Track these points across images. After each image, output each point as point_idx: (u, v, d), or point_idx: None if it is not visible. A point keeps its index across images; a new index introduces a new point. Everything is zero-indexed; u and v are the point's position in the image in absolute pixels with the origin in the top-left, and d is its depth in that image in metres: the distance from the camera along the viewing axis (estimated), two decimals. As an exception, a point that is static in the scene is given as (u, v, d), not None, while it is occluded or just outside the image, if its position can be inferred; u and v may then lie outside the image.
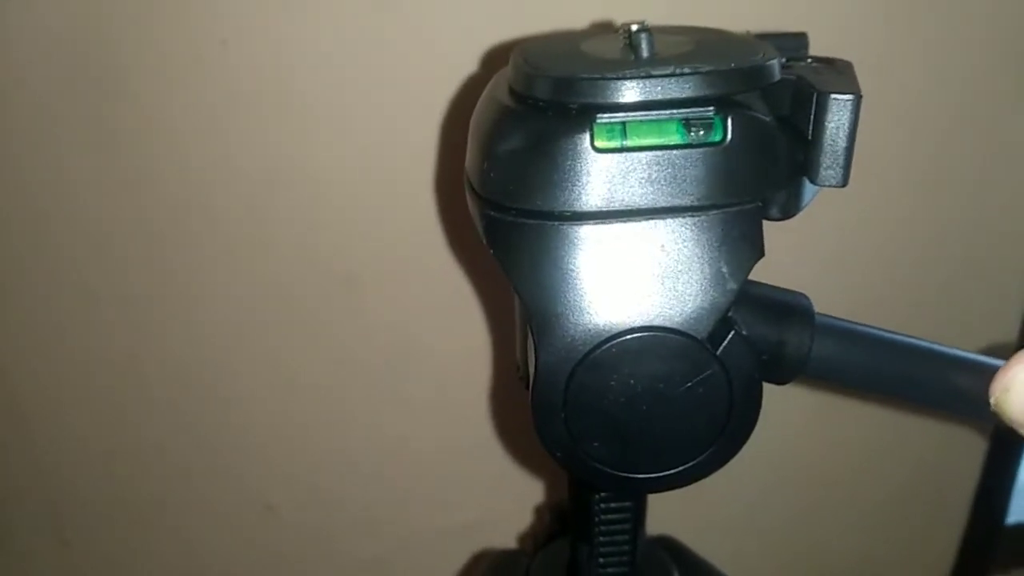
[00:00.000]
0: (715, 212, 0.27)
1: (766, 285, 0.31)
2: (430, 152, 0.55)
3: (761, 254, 0.28)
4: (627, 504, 0.38)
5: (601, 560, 0.39)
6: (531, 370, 0.29)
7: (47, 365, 0.63)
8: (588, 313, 0.27)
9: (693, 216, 0.27)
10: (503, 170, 0.28)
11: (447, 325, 0.60)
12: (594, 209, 0.27)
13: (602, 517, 0.38)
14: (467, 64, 0.52)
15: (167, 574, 0.73)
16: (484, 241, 0.29)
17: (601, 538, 0.39)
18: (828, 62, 0.31)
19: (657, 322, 0.27)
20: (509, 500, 0.66)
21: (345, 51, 0.52)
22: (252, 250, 0.58)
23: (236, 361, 0.63)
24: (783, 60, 0.29)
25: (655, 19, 0.30)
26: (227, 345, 0.62)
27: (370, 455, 0.67)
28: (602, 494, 0.38)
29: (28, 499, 0.69)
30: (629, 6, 0.47)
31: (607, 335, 0.27)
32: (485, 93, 0.31)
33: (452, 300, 0.59)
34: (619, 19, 0.45)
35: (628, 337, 0.27)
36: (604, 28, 0.48)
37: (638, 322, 0.27)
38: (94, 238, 0.58)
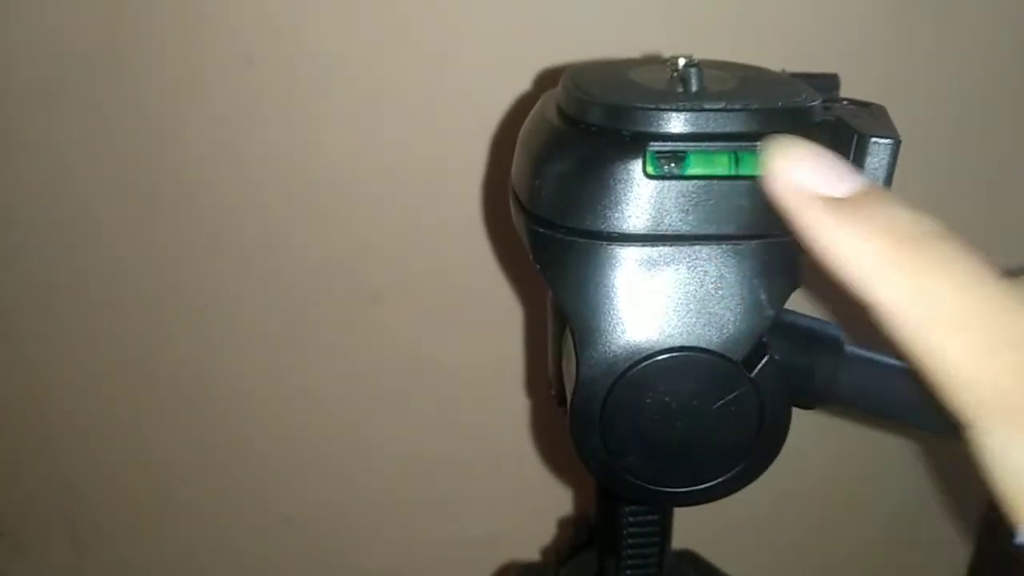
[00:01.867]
0: (757, 242, 0.28)
1: (799, 314, 0.32)
2: (459, 166, 0.56)
3: (798, 284, 0.29)
4: (655, 518, 0.39)
5: (628, 573, 0.40)
6: (569, 386, 0.30)
7: (65, 372, 0.65)
8: (630, 331, 0.29)
9: (736, 244, 0.28)
10: (554, 189, 0.29)
11: (466, 339, 0.62)
12: (641, 232, 0.28)
13: (630, 530, 0.39)
14: (495, 82, 0.53)
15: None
16: (531, 256, 0.31)
17: (629, 551, 0.40)
18: (864, 105, 0.32)
19: (696, 343, 0.28)
20: (530, 512, 0.67)
21: (374, 62, 0.53)
22: (273, 261, 0.59)
23: (255, 371, 0.64)
24: (822, 101, 0.30)
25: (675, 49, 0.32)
26: (245, 356, 0.63)
27: (388, 466, 0.68)
28: (631, 507, 0.39)
29: (44, 505, 0.70)
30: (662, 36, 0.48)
31: (647, 353, 0.28)
32: (534, 113, 0.33)
33: (473, 314, 0.60)
34: (653, 49, 0.47)
35: (667, 356, 0.28)
36: (648, 59, 0.49)
37: (678, 342, 0.28)
38: (115, 247, 0.60)
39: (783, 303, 0.29)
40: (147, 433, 0.67)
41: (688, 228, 0.28)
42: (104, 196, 0.58)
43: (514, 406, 0.64)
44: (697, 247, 0.28)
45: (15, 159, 0.57)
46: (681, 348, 0.29)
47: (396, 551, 0.71)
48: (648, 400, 0.29)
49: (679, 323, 0.28)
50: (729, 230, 0.28)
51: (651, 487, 0.30)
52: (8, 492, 0.70)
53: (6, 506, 0.71)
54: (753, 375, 0.29)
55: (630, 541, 0.40)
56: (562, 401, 0.34)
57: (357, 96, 0.54)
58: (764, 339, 0.29)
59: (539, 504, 0.66)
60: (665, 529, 0.40)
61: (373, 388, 0.64)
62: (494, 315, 0.61)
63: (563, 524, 0.65)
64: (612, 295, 0.29)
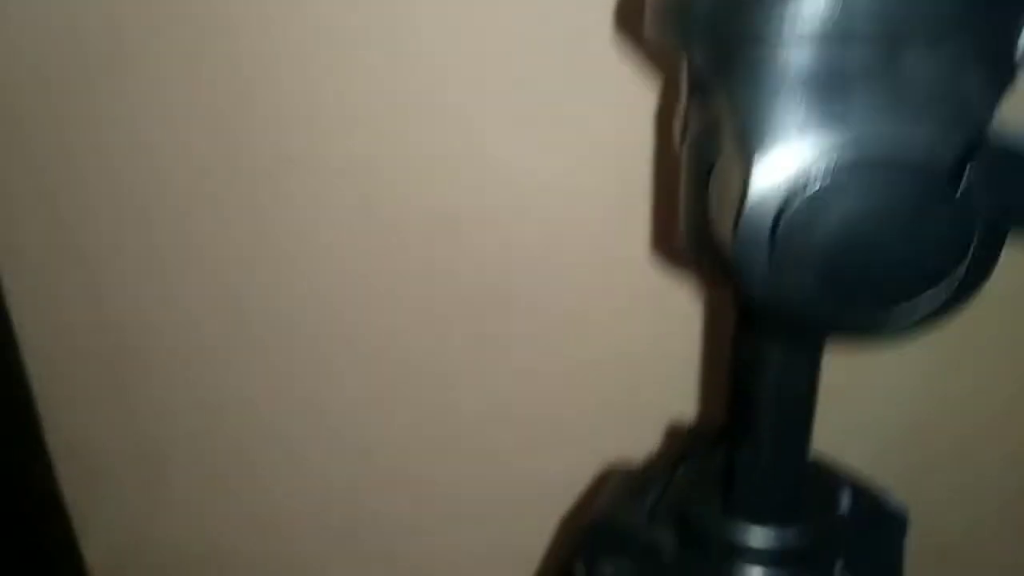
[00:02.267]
0: (963, 33, 0.24)
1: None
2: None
3: (1013, 78, 0.24)
4: (803, 384, 0.34)
5: (769, 459, 0.36)
6: (734, 206, 0.26)
7: (144, 314, 0.64)
8: (809, 139, 0.25)
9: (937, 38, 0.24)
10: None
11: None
12: (825, 32, 0.25)
13: (776, 403, 0.35)
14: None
15: (253, 518, 0.72)
16: (704, 69, 0.27)
17: (769, 430, 0.35)
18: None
19: (891, 152, 0.24)
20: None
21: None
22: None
23: (341, 304, 0.62)
24: None
25: None
26: (329, 288, 0.61)
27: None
28: (776, 376, 0.34)
29: (124, 444, 0.69)
30: None
31: (826, 164, 0.25)
32: None
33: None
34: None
35: (853, 165, 0.25)
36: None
37: (868, 151, 0.25)
38: (200, 172, 0.58)
39: (998, 102, 0.24)
40: (227, 374, 0.66)
41: (876, 28, 0.25)
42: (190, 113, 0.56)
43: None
44: (889, 45, 0.24)
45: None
46: (873, 157, 0.25)
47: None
48: (829, 215, 0.25)
49: (870, 128, 0.25)
50: (927, 23, 0.24)
51: (827, 317, 0.26)
52: (83, 415, 0.68)
53: (81, 428, 0.68)
54: (959, 190, 0.24)
55: (772, 419, 0.35)
56: (697, 250, 0.30)
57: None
58: (973, 148, 0.24)
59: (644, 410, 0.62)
60: (812, 396, 0.35)
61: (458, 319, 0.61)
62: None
63: (672, 433, 0.60)
64: (793, 100, 0.25)
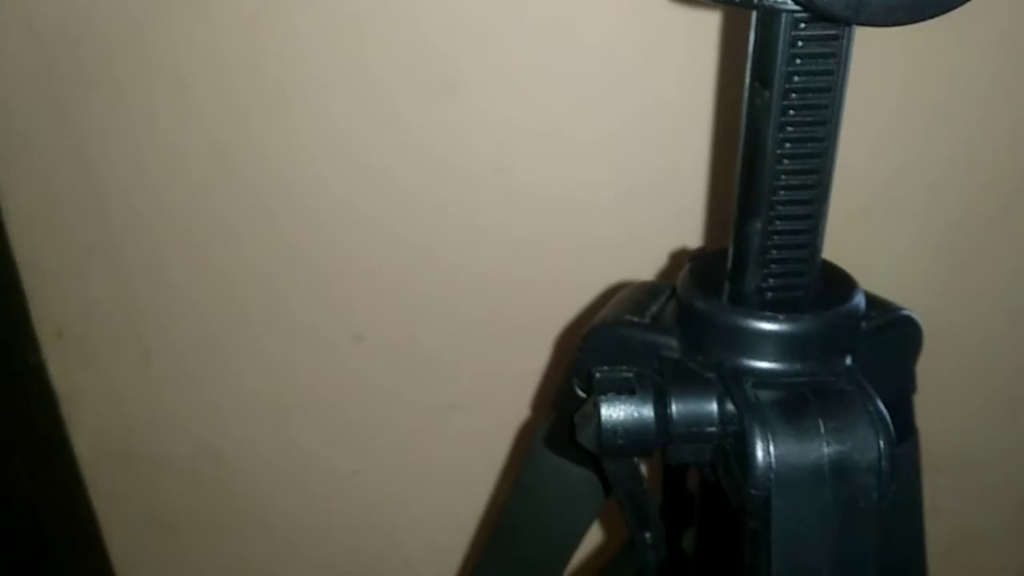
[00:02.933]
0: None
1: None
2: None
3: None
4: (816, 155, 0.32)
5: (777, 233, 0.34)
6: None
7: (136, 187, 0.62)
8: None
9: None
10: None
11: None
12: None
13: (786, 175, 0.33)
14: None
15: (247, 393, 0.71)
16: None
17: (778, 205, 0.33)
18: None
19: None
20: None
21: None
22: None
23: (332, 177, 0.60)
24: None
25: None
26: (323, 158, 0.60)
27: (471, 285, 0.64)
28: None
29: (115, 320, 0.68)
30: None
31: None
32: None
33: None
34: None
35: None
36: None
37: None
38: None
39: None
40: (219, 248, 0.64)
41: None
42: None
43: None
44: None
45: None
46: None
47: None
48: None
49: None
50: None
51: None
52: (72, 294, 0.66)
53: (70, 307, 0.67)
54: None
55: (782, 192, 0.33)
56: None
57: None
58: None
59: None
60: (827, 179, 0.33)
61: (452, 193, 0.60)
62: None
63: (678, 257, 0.59)
64: None
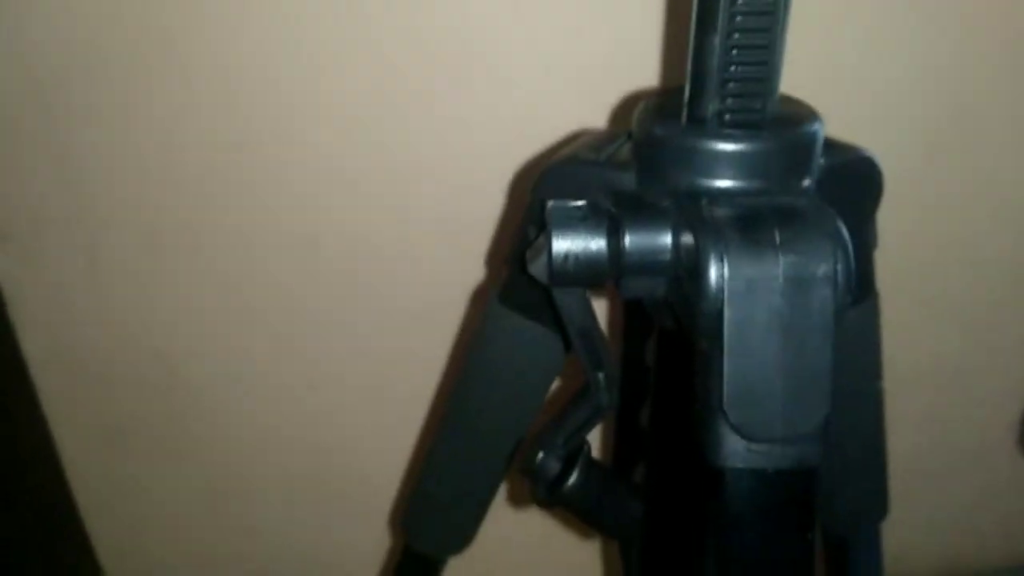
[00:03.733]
0: None
1: None
2: None
3: None
4: None
5: (736, 39, 0.33)
6: None
7: (81, 82, 0.60)
8: None
9: None
10: None
11: None
12: None
13: None
14: None
15: (193, 298, 0.70)
16: None
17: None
18: None
19: None
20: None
21: None
22: None
23: (284, 65, 0.59)
24: None
25: None
26: (275, 48, 0.58)
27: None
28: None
29: (62, 222, 0.66)
30: None
31: None
32: None
33: None
34: None
35: None
36: None
37: None
38: None
39: None
40: (170, 150, 0.62)
41: None
42: None
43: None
44: None
45: None
46: None
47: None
48: None
49: None
50: None
51: None
52: (18, 195, 0.64)
53: (15, 209, 0.64)
54: None
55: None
56: None
57: None
58: None
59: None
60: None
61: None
62: None
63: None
64: None
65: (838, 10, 0.55)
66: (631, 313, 0.49)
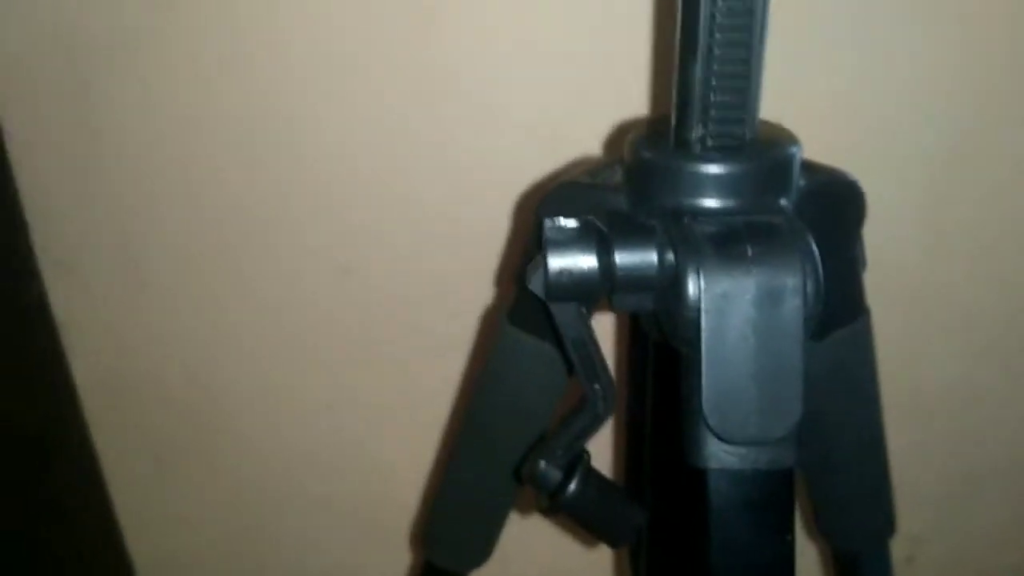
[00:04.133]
0: None
1: None
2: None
3: None
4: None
5: (715, 68, 0.36)
6: None
7: (133, 118, 0.64)
8: None
9: None
10: None
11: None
12: None
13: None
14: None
15: (232, 324, 0.73)
16: None
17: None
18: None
19: None
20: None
21: None
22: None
23: (321, 110, 0.62)
24: None
25: None
26: (313, 90, 0.62)
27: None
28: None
29: (114, 250, 0.70)
30: None
31: None
32: None
33: None
34: None
35: None
36: None
37: None
38: None
39: None
40: (213, 171, 0.66)
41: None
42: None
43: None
44: None
45: None
46: None
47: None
48: None
49: None
50: None
51: None
52: (72, 221, 0.68)
53: (70, 235, 0.69)
54: None
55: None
56: None
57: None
58: None
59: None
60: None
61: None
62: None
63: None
64: None
65: (840, 36, 0.58)
66: (634, 325, 0.51)
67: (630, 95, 0.59)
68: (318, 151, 0.64)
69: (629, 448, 0.54)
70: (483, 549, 0.57)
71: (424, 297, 0.70)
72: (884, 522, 0.53)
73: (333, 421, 0.76)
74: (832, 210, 0.41)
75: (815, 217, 0.38)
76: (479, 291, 0.68)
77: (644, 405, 0.48)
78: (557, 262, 0.37)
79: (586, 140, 0.61)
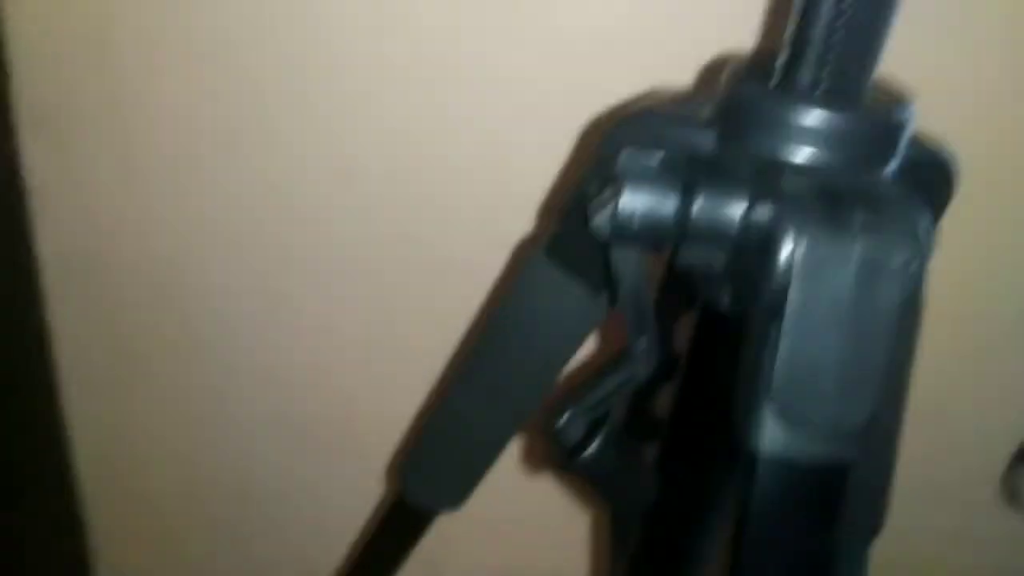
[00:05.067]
0: None
1: None
2: None
3: None
4: None
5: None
6: None
7: None
8: None
9: None
10: None
11: None
12: None
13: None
14: None
15: (228, 217, 0.68)
16: None
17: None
18: None
19: None
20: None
21: None
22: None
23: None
24: None
25: None
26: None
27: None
28: None
29: (100, 116, 0.64)
30: None
31: None
32: None
33: None
34: None
35: None
36: None
37: None
38: None
39: None
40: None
41: None
42: None
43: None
44: None
45: None
46: None
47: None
48: None
49: None
50: None
51: None
52: (56, 77, 0.63)
53: (52, 92, 0.63)
54: None
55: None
56: None
57: None
58: None
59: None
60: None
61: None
62: None
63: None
64: None
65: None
66: (668, 291, 0.47)
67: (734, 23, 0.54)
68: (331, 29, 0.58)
69: (629, 417, 0.51)
70: (461, 491, 0.53)
71: (447, 224, 0.65)
72: (877, 520, 0.50)
73: (320, 341, 0.71)
74: (925, 187, 0.37)
75: (912, 191, 0.34)
76: (511, 224, 0.63)
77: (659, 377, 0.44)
78: (631, 200, 0.33)
79: (672, 69, 0.55)
